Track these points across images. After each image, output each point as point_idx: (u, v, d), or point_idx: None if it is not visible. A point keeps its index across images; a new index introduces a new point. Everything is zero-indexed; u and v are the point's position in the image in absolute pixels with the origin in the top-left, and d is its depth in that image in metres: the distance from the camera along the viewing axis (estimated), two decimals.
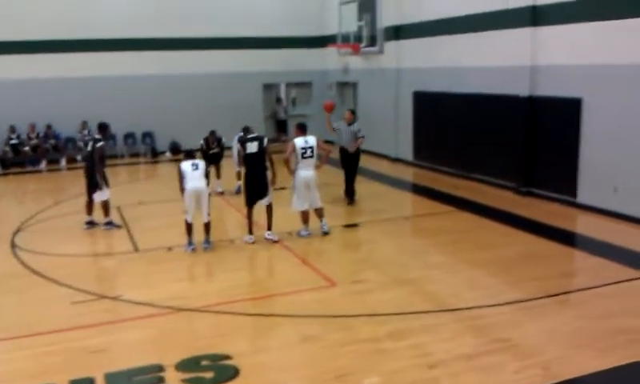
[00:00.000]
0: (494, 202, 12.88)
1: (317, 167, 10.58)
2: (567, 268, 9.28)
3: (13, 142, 19.15)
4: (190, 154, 10.11)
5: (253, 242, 10.29)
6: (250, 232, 10.38)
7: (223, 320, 7.34)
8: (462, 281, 8.47)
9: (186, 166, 9.84)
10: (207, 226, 10.02)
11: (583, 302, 7.62)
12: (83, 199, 11.54)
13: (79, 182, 12.27)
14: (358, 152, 13.06)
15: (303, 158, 10.30)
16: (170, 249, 10.09)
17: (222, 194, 14.07)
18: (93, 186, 11.23)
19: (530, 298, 7.62)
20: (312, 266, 9.16)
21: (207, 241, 10.06)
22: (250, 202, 10.37)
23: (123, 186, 15.87)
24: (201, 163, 10.08)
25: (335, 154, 12.87)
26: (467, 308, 7.39)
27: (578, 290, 8.08)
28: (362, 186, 13.34)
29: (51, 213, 12.96)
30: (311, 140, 10.40)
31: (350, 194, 13.02)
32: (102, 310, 7.73)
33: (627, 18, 10.72)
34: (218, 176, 14.19)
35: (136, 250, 10.30)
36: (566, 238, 10.53)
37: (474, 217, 11.87)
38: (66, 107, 19.58)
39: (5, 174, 18.40)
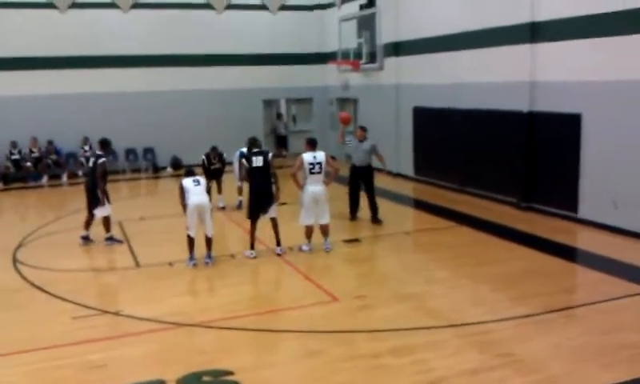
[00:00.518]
0: (494, 216, 12.88)
1: (325, 184, 10.56)
2: (570, 283, 9.25)
3: (14, 157, 19.19)
4: (190, 172, 10.13)
5: (254, 257, 10.28)
6: (252, 247, 10.37)
7: (225, 335, 7.32)
8: (465, 296, 8.45)
9: (188, 182, 9.85)
10: (209, 241, 10.01)
11: (586, 317, 7.60)
12: (85, 214, 11.52)
13: (80, 197, 12.26)
14: (371, 169, 12.76)
15: (311, 173, 10.30)
16: (171, 264, 10.08)
17: (223, 208, 14.06)
18: (94, 201, 11.22)
19: (534, 314, 7.60)
20: (314, 281, 9.14)
21: (209, 256, 10.05)
22: (254, 215, 10.32)
23: (125, 202, 15.87)
24: (202, 179, 10.11)
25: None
26: (470, 323, 7.36)
27: (581, 305, 8.05)
28: (363, 201, 13.34)
29: (53, 228, 12.95)
30: (320, 156, 10.38)
31: (373, 211, 12.59)
32: (103, 325, 7.71)
33: (626, 34, 10.78)
34: (220, 191, 14.21)
35: (137, 265, 10.28)
36: (568, 252, 10.52)
37: (475, 232, 11.86)
38: (67, 123, 19.67)
39: (6, 189, 18.40)
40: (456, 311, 7.85)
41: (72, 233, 11.84)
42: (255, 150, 10.71)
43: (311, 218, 10.49)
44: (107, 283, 9.84)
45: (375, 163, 13.02)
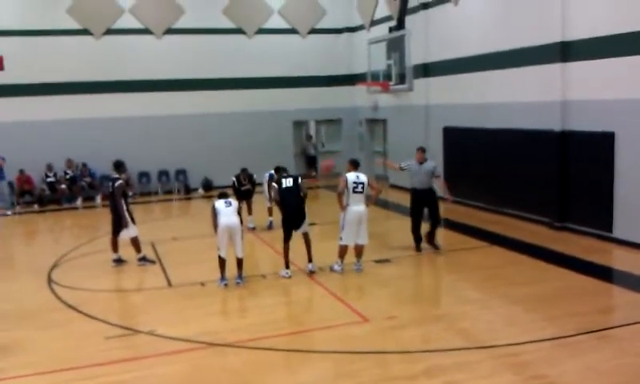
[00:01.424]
0: (527, 237, 12.72)
1: (366, 205, 10.56)
2: (604, 304, 9.06)
3: (50, 179, 19.62)
4: (223, 194, 10.27)
5: (289, 277, 10.32)
6: (287, 266, 10.43)
7: (256, 356, 7.33)
8: (497, 317, 8.34)
9: (220, 203, 9.97)
10: (240, 262, 10.08)
11: (622, 339, 7.44)
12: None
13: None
14: (434, 192, 11.87)
15: (354, 192, 10.36)
16: (203, 284, 10.16)
17: (253, 229, 14.16)
18: (117, 224, 11.34)
19: (568, 335, 7.47)
20: (344, 302, 9.12)
21: (240, 276, 10.12)
22: (288, 233, 10.43)
23: (157, 223, 16.09)
24: (234, 201, 10.23)
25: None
26: (503, 345, 7.26)
27: (617, 327, 7.89)
28: (394, 221, 13.31)
29: (86, 249, 13.18)
30: (362, 176, 10.48)
31: (432, 234, 11.90)
32: (135, 344, 7.80)
33: None
34: (250, 212, 14.32)
35: (169, 284, 10.39)
36: (603, 273, 10.32)
37: (508, 252, 11.73)
38: (101, 146, 20.06)
39: (42, 211, 18.80)
40: (488, 332, 7.76)
41: (105, 254, 12.02)
42: (284, 175, 10.97)
43: (352, 237, 10.52)
44: (140, 303, 9.94)
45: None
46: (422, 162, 11.82)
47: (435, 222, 11.90)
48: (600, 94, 12.03)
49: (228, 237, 9.87)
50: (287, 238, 10.43)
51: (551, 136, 13.16)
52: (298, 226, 10.42)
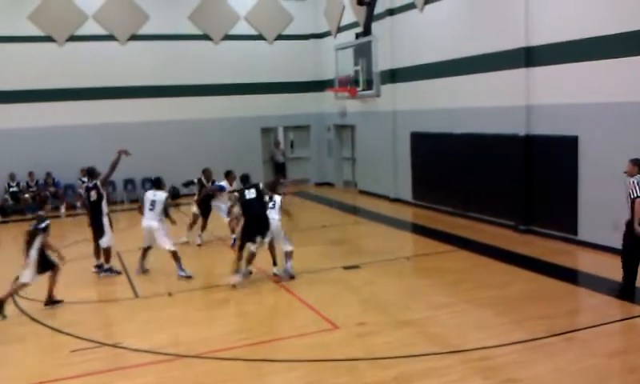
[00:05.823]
0: (494, 240, 12.84)
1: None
2: (572, 306, 9.17)
3: (13, 189, 19.18)
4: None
5: (235, 284, 10.23)
6: (237, 271, 10.38)
7: (226, 366, 7.22)
8: (467, 321, 8.37)
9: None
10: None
11: (590, 341, 7.52)
12: (82, 246, 11.49)
13: (79, 229, 12.23)
14: None
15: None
16: (170, 294, 10.01)
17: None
18: (99, 232, 11.29)
19: (537, 337, 7.53)
20: (314, 309, 9.07)
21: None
22: (248, 241, 10.32)
23: (123, 233, 15.78)
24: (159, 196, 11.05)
25: None
26: (474, 349, 7.28)
27: (585, 328, 7.98)
28: (362, 227, 13.31)
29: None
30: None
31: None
32: (101, 357, 7.63)
33: (620, 56, 10.86)
34: (204, 227, 13.91)
35: (136, 296, 10.21)
36: (569, 275, 10.46)
37: (475, 256, 11.82)
38: (65, 155, 19.69)
39: (5, 222, 18.33)
40: (458, 337, 7.78)
41: (71, 265, 11.72)
42: (247, 184, 10.86)
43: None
44: (106, 315, 9.74)
45: (367, 188, 12.94)
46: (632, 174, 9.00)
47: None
48: (564, 98, 12.22)
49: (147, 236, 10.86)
50: (243, 247, 10.39)
51: (516, 140, 13.32)
52: (263, 234, 10.35)
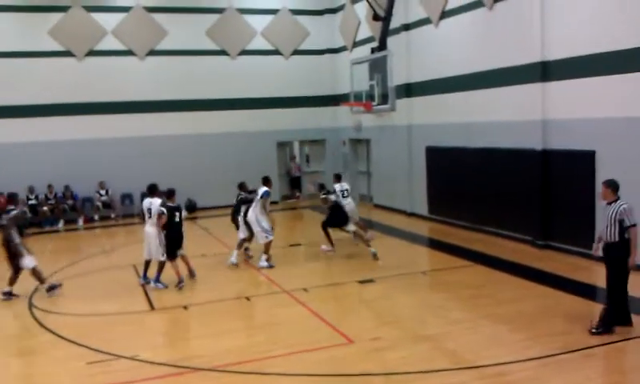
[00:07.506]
0: (510, 255, 12.77)
1: None
2: (589, 322, 9.07)
3: (31, 202, 19.41)
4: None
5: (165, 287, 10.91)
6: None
7: (240, 379, 7.25)
8: (483, 336, 8.32)
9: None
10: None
11: (608, 357, 7.46)
12: (99, 259, 11.57)
13: (96, 242, 12.34)
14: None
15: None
16: (185, 307, 10.06)
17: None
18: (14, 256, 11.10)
19: (553, 354, 7.47)
20: (329, 323, 9.06)
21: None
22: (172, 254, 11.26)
23: (140, 244, 15.90)
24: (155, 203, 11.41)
25: None
26: (489, 365, 7.24)
27: (602, 345, 7.89)
28: (377, 240, 13.27)
29: (68, 272, 12.99)
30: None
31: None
32: (118, 370, 7.66)
33: (636, 71, 10.81)
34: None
35: (152, 308, 10.28)
36: (586, 290, 10.37)
37: (492, 271, 11.75)
38: (83, 168, 19.96)
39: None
40: (474, 352, 7.74)
41: (86, 277, 11.89)
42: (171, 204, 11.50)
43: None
44: (123, 327, 9.77)
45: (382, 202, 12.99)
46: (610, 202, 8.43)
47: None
48: (580, 112, 12.17)
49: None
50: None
51: (533, 155, 13.28)
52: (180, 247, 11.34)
